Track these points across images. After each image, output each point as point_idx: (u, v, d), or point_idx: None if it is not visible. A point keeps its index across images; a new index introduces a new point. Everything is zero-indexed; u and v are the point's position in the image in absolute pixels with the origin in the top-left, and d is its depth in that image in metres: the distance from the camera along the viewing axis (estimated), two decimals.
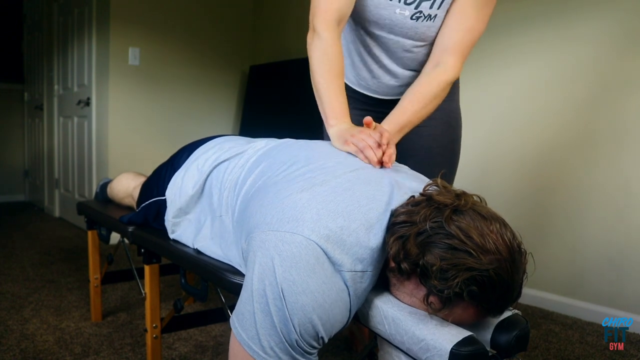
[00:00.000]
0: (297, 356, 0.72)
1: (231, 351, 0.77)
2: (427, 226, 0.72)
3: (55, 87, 3.85)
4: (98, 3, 3.18)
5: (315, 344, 0.73)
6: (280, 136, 1.26)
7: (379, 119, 1.34)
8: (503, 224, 0.74)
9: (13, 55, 4.64)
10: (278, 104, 3.28)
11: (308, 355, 0.73)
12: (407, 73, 1.29)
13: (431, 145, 1.33)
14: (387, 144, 0.93)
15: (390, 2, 1.14)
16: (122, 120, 3.17)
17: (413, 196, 0.82)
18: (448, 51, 1.16)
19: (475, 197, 0.79)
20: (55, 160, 3.93)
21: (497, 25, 2.27)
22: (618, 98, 1.93)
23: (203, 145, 1.20)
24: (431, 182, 0.84)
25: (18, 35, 4.65)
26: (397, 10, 1.15)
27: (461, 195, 0.78)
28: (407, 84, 1.30)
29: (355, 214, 0.77)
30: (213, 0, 3.50)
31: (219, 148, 1.14)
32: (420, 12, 1.15)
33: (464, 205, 0.74)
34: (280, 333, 0.70)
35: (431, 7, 1.14)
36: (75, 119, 3.55)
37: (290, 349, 0.71)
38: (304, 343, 0.72)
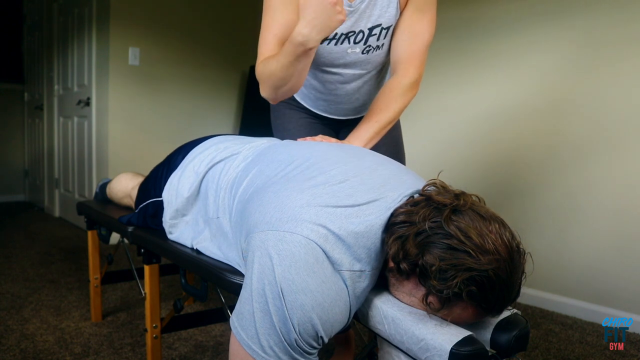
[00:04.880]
0: (297, 356, 0.72)
1: (231, 351, 0.77)
2: (426, 226, 0.72)
3: (55, 87, 3.85)
4: (98, 3, 3.18)
5: (315, 344, 0.73)
6: None
7: (341, 134, 1.48)
8: (502, 224, 0.74)
9: (13, 55, 4.64)
10: None
11: (308, 356, 0.73)
12: (362, 96, 1.36)
13: (378, 144, 1.38)
14: None
15: (340, 46, 1.20)
16: (122, 120, 3.17)
17: (412, 196, 0.82)
18: (399, 60, 1.22)
19: (474, 197, 0.79)
20: (55, 160, 3.93)
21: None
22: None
23: (199, 145, 1.19)
24: (430, 182, 0.85)
25: (18, 35, 4.65)
26: (349, 50, 1.22)
27: (460, 195, 0.78)
28: (359, 105, 1.38)
29: (354, 214, 0.77)
30: (213, 0, 3.50)
31: (215, 148, 1.14)
32: (369, 46, 1.22)
33: (463, 205, 0.75)
34: (280, 332, 0.70)
35: (378, 39, 1.21)
36: (75, 119, 3.55)
37: (289, 348, 0.71)
38: (304, 343, 0.71)
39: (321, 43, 1.20)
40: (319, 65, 1.26)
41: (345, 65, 1.25)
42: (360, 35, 1.19)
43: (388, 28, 1.20)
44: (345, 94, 1.33)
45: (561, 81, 2.08)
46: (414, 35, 1.19)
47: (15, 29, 4.65)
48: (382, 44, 1.23)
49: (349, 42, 1.20)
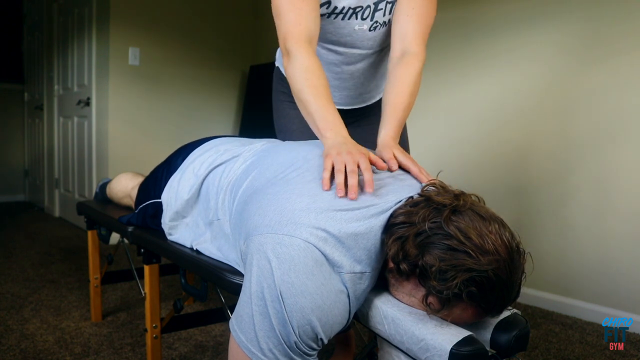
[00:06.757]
0: (296, 358, 0.72)
1: (230, 353, 0.77)
2: (426, 227, 0.72)
3: (55, 87, 3.85)
4: (98, 3, 3.18)
5: (315, 346, 0.73)
6: None
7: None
8: (502, 224, 0.74)
9: (13, 55, 4.64)
10: None
11: (307, 357, 0.73)
12: (367, 79, 1.34)
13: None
14: (366, 170, 0.83)
15: (348, 21, 1.19)
16: (122, 120, 3.17)
17: (412, 197, 0.82)
18: (409, 39, 1.14)
19: (473, 197, 0.79)
20: (55, 160, 3.93)
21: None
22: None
23: (199, 147, 1.19)
24: (429, 182, 0.84)
25: (18, 35, 4.65)
26: (356, 27, 1.20)
27: (460, 195, 0.77)
28: (364, 92, 1.36)
29: (355, 217, 0.76)
30: (213, 0, 3.50)
31: (215, 151, 1.13)
32: (377, 22, 1.20)
33: (462, 205, 0.74)
34: (279, 335, 0.70)
35: (384, 14, 1.19)
36: (75, 119, 3.55)
37: (289, 350, 0.71)
38: (303, 345, 0.71)
39: (327, 17, 1.18)
40: (324, 43, 1.24)
41: (352, 45, 1.23)
42: (367, 10, 1.17)
43: (393, 2, 1.18)
44: (350, 77, 1.31)
45: (561, 81, 2.08)
46: (421, 14, 1.15)
47: (15, 29, 4.65)
48: (389, 20, 1.21)
49: (357, 18, 1.18)
